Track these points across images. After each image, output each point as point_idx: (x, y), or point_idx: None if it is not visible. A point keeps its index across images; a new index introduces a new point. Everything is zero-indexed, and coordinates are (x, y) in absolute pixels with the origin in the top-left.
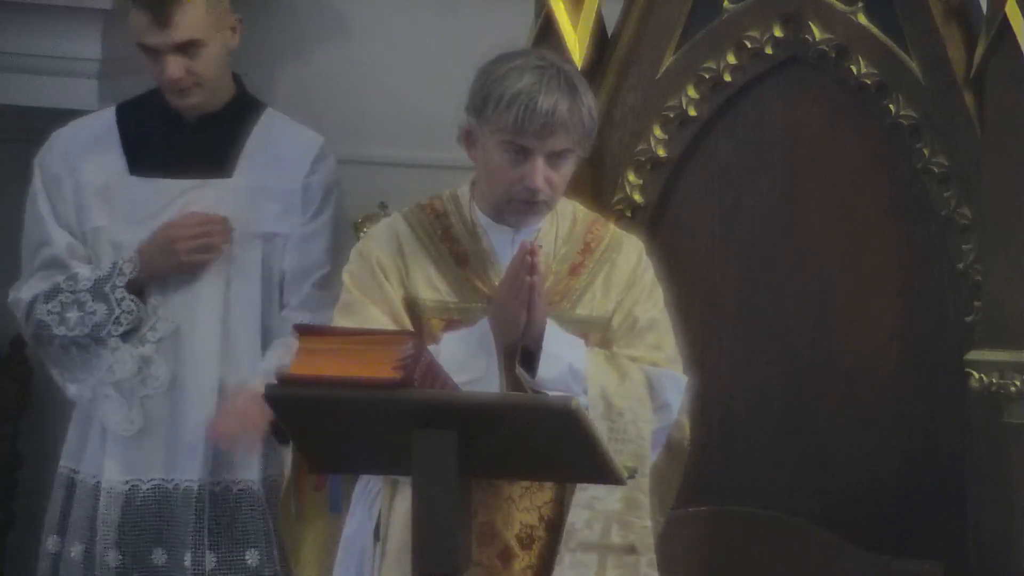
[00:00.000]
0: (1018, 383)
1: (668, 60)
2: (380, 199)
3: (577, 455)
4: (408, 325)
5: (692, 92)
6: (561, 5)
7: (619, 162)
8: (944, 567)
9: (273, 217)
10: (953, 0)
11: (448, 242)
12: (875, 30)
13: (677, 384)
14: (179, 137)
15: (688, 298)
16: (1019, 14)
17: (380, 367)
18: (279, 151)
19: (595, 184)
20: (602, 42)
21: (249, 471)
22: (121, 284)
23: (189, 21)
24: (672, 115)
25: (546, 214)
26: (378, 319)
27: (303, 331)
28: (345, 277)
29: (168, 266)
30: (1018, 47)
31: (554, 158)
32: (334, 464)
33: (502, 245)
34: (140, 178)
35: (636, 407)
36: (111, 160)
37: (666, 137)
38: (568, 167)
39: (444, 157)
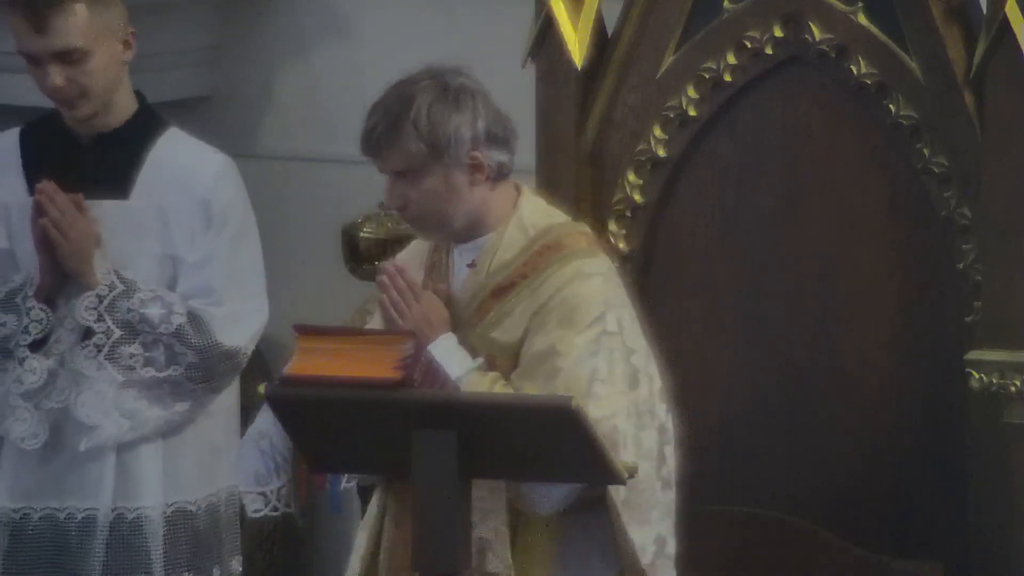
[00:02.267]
0: (1018, 383)
1: (668, 60)
2: (380, 199)
3: (577, 455)
4: None
5: (692, 92)
6: (561, 5)
7: (619, 162)
8: (944, 567)
9: (173, 239)
10: (953, 0)
11: (434, 251)
12: (875, 30)
13: None
14: (76, 158)
15: (688, 298)
16: (1019, 14)
17: (380, 367)
18: (178, 171)
19: (595, 184)
20: (602, 42)
21: (148, 498)
22: (31, 294)
23: (69, 28)
24: (672, 115)
25: (429, 230)
26: (371, 324)
27: (303, 331)
28: None
29: (43, 267)
30: (1018, 47)
31: (404, 175)
32: (334, 464)
33: (455, 257)
34: None
35: None
36: (12, 181)
37: (666, 137)
38: (427, 184)
39: None
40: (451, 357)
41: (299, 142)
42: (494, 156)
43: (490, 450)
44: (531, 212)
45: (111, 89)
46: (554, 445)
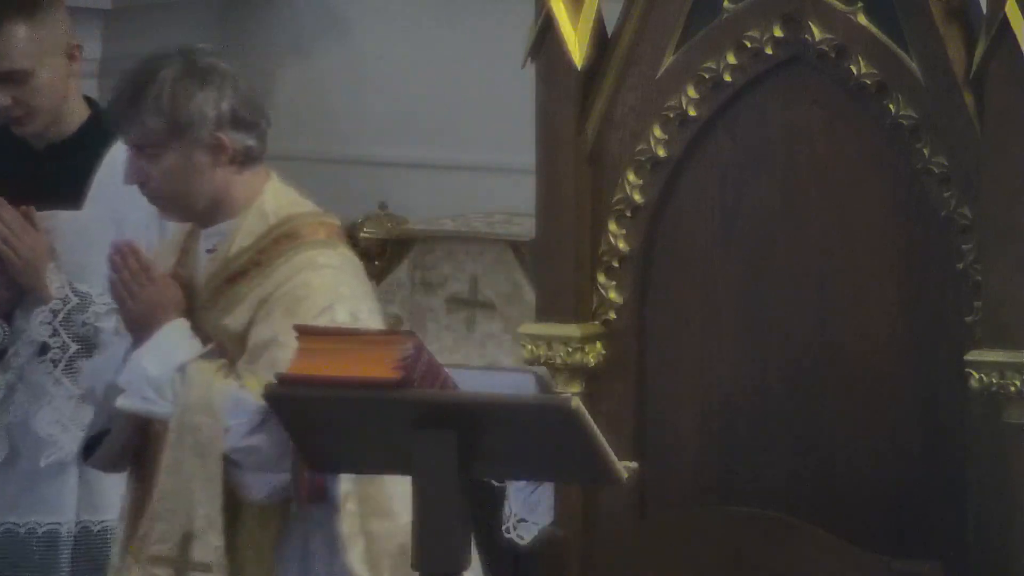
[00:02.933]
0: (1018, 383)
1: (668, 60)
2: (380, 199)
3: (577, 455)
4: None
5: (692, 92)
6: (561, 5)
7: (619, 162)
8: (944, 567)
9: None
10: (953, 0)
11: (187, 236)
12: (875, 30)
13: (239, 407)
14: (29, 167)
15: (688, 298)
16: (1019, 14)
17: (380, 367)
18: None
19: (595, 184)
20: (602, 42)
21: (113, 511)
22: None
23: (9, 51)
24: (672, 115)
25: (170, 209)
26: None
27: (303, 331)
28: None
29: None
30: (1018, 47)
31: (144, 150)
32: (334, 464)
33: (201, 242)
34: None
35: (211, 424)
36: None
37: (666, 137)
38: (167, 161)
39: (444, 157)
40: (179, 343)
41: (299, 142)
42: (240, 139)
43: (490, 450)
44: (275, 200)
45: (59, 104)
46: (554, 445)
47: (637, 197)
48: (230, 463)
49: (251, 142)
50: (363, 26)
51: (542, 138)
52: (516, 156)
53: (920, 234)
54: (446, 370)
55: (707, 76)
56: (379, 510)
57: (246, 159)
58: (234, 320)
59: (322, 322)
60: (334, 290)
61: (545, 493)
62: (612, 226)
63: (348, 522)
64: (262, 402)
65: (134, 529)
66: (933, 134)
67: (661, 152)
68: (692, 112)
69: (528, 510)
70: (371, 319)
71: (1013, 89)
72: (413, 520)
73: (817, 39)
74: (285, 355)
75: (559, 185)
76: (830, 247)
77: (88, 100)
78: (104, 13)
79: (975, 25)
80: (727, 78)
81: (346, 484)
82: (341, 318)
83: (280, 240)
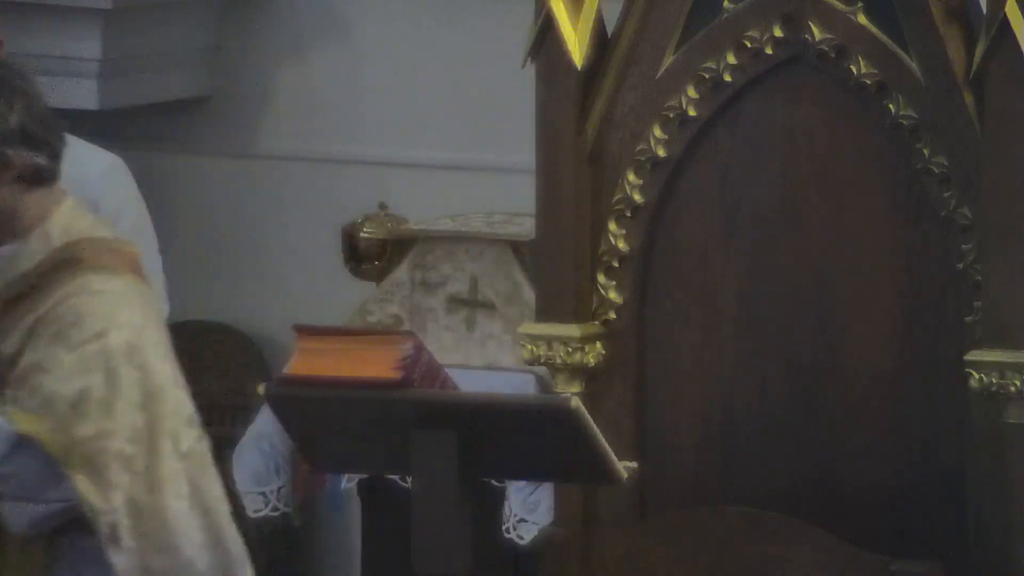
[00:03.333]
0: (1018, 383)
1: (668, 60)
2: (380, 199)
3: (577, 455)
4: None
5: (692, 92)
6: (561, 5)
7: (619, 162)
8: (944, 567)
9: None
10: (953, 0)
11: None
12: (875, 30)
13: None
14: None
15: (688, 298)
16: (1019, 14)
17: (380, 367)
18: (66, 172)
19: (595, 184)
20: (602, 42)
21: None
22: None
23: None
24: (672, 115)
25: None
26: None
27: (303, 331)
28: None
29: None
30: (1018, 47)
31: None
32: (334, 464)
33: None
34: None
35: None
36: None
37: (666, 137)
38: None
39: (444, 157)
40: None
41: (298, 142)
42: (29, 156)
43: (490, 450)
44: (64, 223)
45: None
46: (554, 445)
47: (637, 197)
48: None
49: (41, 160)
50: (363, 26)
51: (542, 138)
52: (516, 156)
53: (920, 234)
54: (446, 370)
55: (707, 76)
56: (160, 545)
57: (35, 178)
58: (8, 345)
59: (88, 349)
60: (109, 316)
61: (545, 493)
62: (612, 226)
63: (125, 558)
64: (17, 429)
65: None
66: (933, 134)
67: (661, 152)
68: (692, 112)
69: (528, 510)
70: (154, 349)
71: (1013, 89)
72: (413, 520)
73: (817, 39)
74: (47, 381)
75: (559, 185)
76: (830, 247)
77: None
78: (104, 13)
79: (975, 25)
80: (727, 78)
81: (122, 517)
82: (115, 344)
83: (60, 265)
